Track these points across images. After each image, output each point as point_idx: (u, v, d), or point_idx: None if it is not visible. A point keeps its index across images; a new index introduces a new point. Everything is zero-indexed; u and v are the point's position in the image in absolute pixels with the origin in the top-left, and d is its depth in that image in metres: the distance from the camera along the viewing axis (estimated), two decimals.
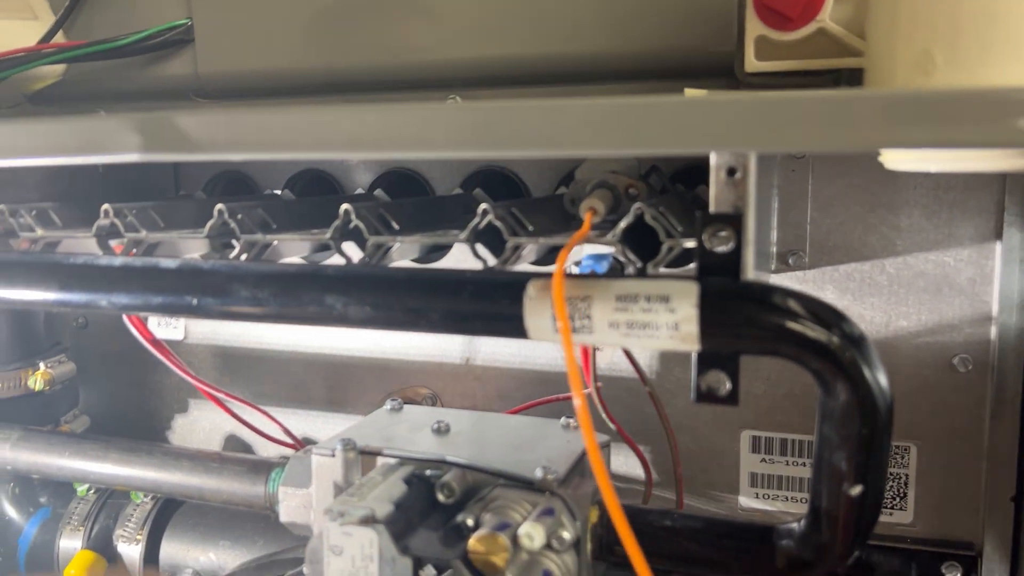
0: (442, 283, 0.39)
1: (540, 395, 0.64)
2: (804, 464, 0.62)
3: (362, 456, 0.48)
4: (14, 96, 0.72)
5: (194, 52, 0.64)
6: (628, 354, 0.54)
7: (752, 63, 0.52)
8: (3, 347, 0.65)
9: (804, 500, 0.63)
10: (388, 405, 0.56)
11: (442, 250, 0.60)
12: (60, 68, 0.71)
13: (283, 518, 0.50)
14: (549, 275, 0.37)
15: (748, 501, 0.64)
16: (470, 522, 0.42)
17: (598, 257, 0.49)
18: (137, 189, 0.70)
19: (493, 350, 0.69)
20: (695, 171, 0.60)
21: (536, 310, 0.37)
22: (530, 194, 0.65)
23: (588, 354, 0.46)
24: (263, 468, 0.52)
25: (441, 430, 0.52)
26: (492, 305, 0.38)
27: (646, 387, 0.47)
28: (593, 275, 0.39)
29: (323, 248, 0.53)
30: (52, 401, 0.69)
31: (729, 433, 0.64)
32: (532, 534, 0.40)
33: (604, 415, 0.52)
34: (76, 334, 0.81)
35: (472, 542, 0.40)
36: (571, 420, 0.52)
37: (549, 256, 0.51)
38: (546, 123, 0.34)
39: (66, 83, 0.71)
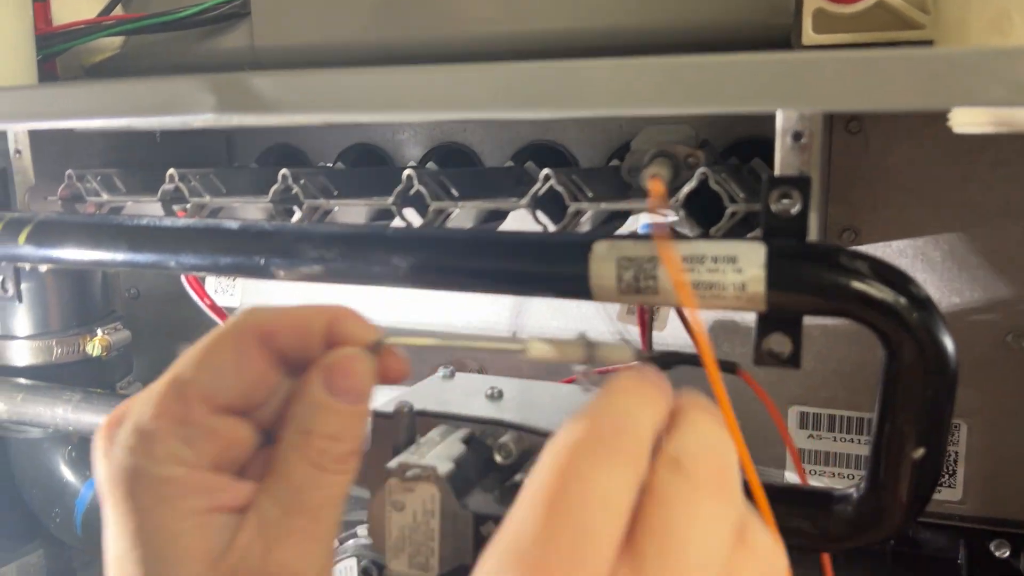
0: (507, 244, 0.40)
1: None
2: (852, 440, 0.62)
3: (418, 419, 0.49)
4: (73, 68, 0.74)
5: (251, 25, 0.65)
6: (685, 323, 0.53)
7: (810, 36, 0.52)
8: (63, 312, 0.66)
9: (851, 476, 0.63)
10: (441, 372, 0.57)
11: (497, 220, 0.61)
12: (118, 41, 0.72)
13: None
14: (612, 236, 0.38)
15: (794, 477, 0.64)
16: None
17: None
18: (191, 159, 0.71)
19: (540, 323, 0.69)
20: (747, 144, 0.60)
21: (601, 270, 0.37)
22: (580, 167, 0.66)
23: (645, 322, 0.46)
24: None
25: (494, 396, 0.52)
26: (557, 265, 0.39)
27: (703, 355, 0.48)
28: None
29: (382, 216, 0.54)
30: (108, 367, 0.71)
31: (776, 409, 0.64)
32: None
33: None
34: (128, 304, 0.83)
35: None
36: None
37: (603, 227, 0.52)
38: (616, 81, 0.35)
39: (123, 56, 0.72)
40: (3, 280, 0.55)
